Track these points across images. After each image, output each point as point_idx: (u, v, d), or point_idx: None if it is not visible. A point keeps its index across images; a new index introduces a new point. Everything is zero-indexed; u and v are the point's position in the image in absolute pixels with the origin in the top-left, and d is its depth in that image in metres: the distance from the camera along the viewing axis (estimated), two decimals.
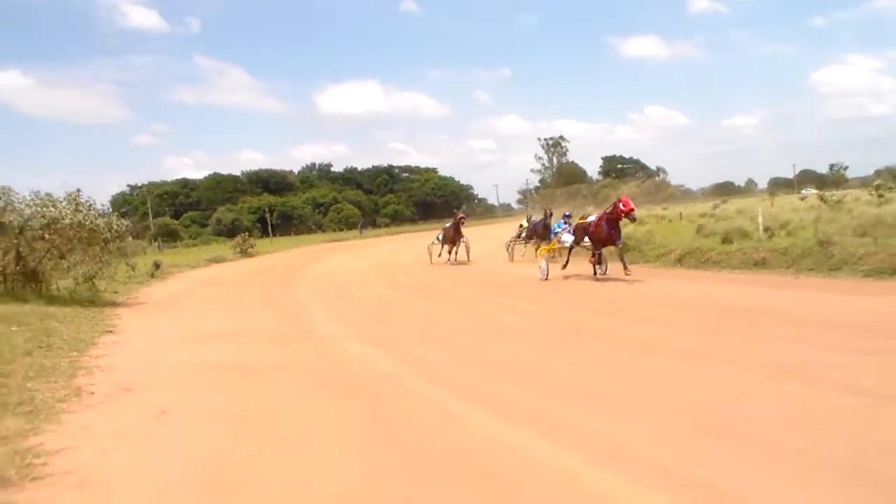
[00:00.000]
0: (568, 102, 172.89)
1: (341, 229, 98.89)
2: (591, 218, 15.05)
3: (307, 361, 8.04)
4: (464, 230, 23.40)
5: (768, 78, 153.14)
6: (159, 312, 14.13)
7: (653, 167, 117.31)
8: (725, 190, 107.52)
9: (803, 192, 76.85)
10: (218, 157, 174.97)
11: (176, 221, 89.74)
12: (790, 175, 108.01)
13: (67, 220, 14.69)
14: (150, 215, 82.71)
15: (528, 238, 23.18)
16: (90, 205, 15.90)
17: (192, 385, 7.08)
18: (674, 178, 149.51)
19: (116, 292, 17.40)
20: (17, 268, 14.58)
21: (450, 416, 5.44)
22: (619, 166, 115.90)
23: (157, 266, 23.71)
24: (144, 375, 7.43)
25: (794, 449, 4.12)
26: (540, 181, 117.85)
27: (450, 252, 23.22)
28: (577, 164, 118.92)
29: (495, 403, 5.62)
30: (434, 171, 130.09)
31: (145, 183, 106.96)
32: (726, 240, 15.15)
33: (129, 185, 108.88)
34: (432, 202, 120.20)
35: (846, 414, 4.72)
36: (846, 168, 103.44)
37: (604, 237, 14.18)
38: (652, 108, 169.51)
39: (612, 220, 13.99)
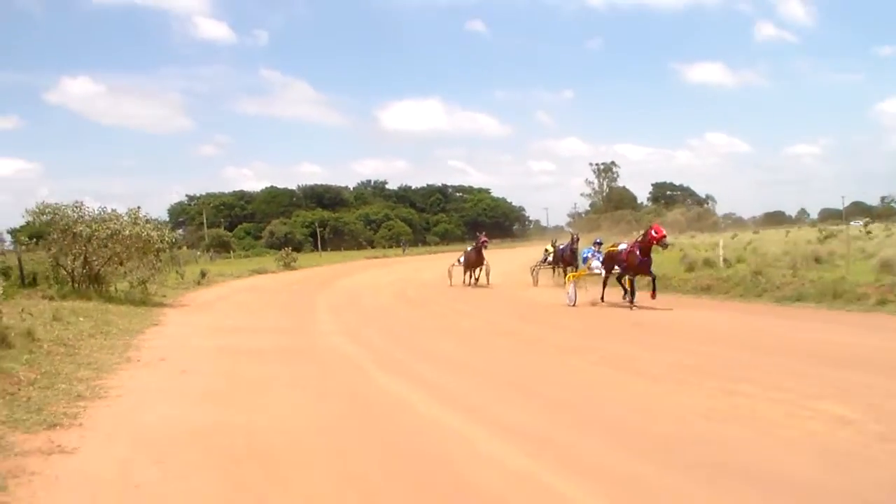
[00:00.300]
0: (629, 127, 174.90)
1: (391, 246, 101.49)
2: (622, 246, 15.30)
3: (294, 347, 10.70)
4: (486, 253, 23.05)
5: (832, 108, 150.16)
6: (197, 313, 16.98)
7: (703, 195, 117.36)
8: (775, 219, 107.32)
9: (852, 223, 76.99)
10: (277, 169, 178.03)
11: (229, 233, 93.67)
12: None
13: (126, 232, 17.75)
14: (205, 226, 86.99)
15: (555, 263, 23.11)
16: (147, 219, 19.08)
17: (207, 358, 9.75)
18: (730, 206, 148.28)
19: (165, 296, 20.35)
20: (84, 271, 17.69)
21: (369, 377, 8.19)
22: (669, 193, 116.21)
23: (203, 275, 26.91)
24: (175, 352, 10.08)
25: (567, 402, 6.46)
26: (591, 205, 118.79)
27: (470, 276, 23.02)
28: (627, 190, 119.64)
29: (408, 373, 8.27)
30: (487, 191, 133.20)
31: (203, 194, 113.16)
32: (689, 269, 17.24)
33: (187, 195, 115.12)
34: (483, 222, 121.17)
35: (626, 386, 7.02)
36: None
37: (636, 265, 14.40)
38: (713, 135, 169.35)
39: (645, 248, 14.29)
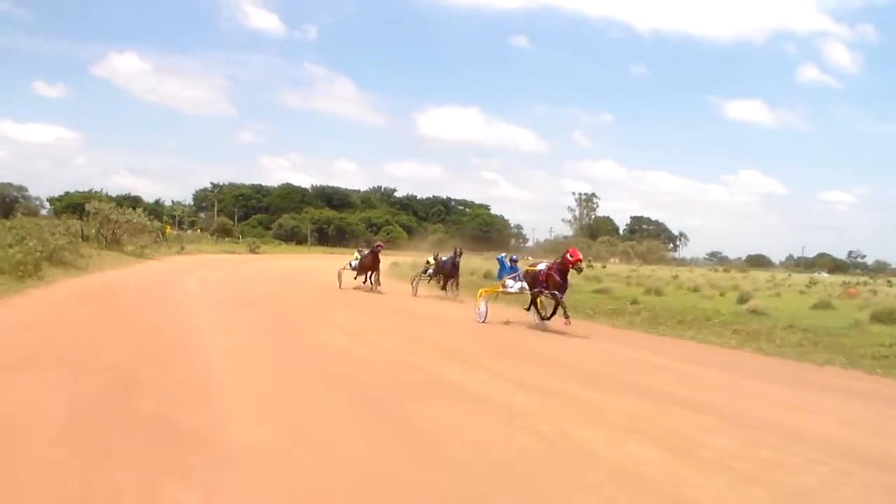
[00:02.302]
0: (664, 155, 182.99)
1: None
2: (541, 266, 15.69)
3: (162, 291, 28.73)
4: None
5: (871, 157, 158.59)
6: (169, 261, 35.14)
7: (677, 232, 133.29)
8: (756, 261, 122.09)
9: (817, 273, 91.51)
10: (313, 163, 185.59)
11: (231, 222, 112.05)
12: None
13: (134, 220, 36.45)
14: (215, 214, 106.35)
15: (436, 275, 24.07)
16: (148, 211, 37.80)
17: (148, 272, 27.92)
18: (756, 247, 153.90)
19: (153, 256, 38.67)
20: (111, 236, 36.39)
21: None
22: (644, 227, 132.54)
23: (182, 248, 45.65)
24: (141, 270, 28.14)
25: (348, 375, 9.49)
26: (573, 231, 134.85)
27: (365, 279, 24.13)
28: (610, 220, 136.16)
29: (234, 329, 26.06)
30: (486, 208, 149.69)
31: (226, 183, 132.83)
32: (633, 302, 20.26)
33: (211, 183, 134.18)
34: (477, 235, 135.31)
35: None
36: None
37: (558, 285, 14.72)
38: (748, 173, 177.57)
39: (563, 271, 14.71)
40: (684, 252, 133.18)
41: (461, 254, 23.22)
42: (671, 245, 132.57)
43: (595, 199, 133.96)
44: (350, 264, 24.78)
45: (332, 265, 31.04)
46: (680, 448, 6.01)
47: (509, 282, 17.00)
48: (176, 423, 5.82)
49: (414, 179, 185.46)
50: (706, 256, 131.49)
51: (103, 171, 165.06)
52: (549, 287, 14.87)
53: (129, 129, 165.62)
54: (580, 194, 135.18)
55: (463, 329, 14.97)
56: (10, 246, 19.50)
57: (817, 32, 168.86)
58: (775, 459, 5.85)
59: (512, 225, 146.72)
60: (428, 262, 24.97)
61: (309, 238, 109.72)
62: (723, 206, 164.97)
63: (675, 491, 4.95)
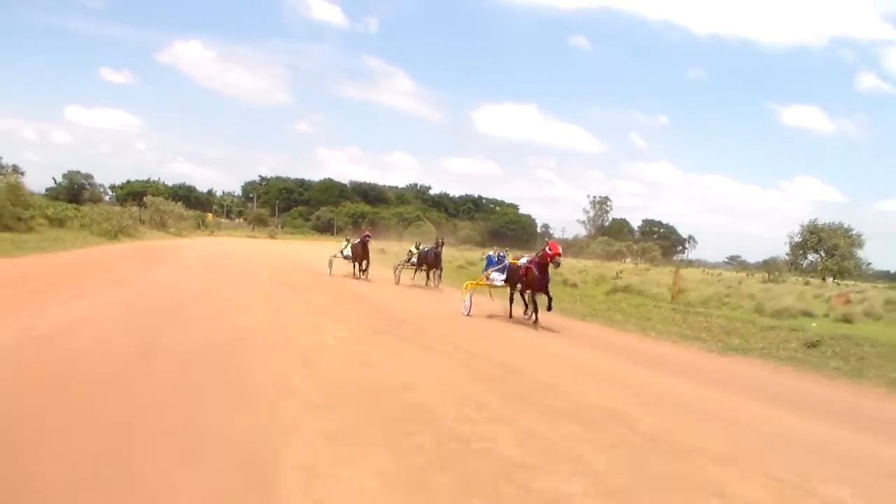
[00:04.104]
0: (720, 159, 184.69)
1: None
2: (523, 260, 15.98)
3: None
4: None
5: None
6: (195, 240, 54.33)
7: (686, 235, 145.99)
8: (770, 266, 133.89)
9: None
10: (369, 156, 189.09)
11: (267, 212, 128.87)
12: None
13: (176, 210, 56.56)
14: (255, 204, 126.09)
15: (418, 265, 24.89)
16: (182, 203, 57.77)
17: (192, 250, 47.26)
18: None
19: (186, 236, 58.05)
20: (158, 221, 56.41)
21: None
22: (654, 229, 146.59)
23: (211, 231, 65.32)
24: (179, 246, 47.40)
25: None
26: (587, 231, 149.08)
27: (355, 268, 24.93)
28: (626, 222, 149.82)
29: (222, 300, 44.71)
30: (514, 207, 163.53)
31: (272, 176, 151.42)
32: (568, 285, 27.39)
33: (259, 176, 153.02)
34: (503, 233, 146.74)
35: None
36: None
37: (534, 281, 15.07)
38: (804, 179, 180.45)
39: (542, 265, 14.90)
40: (693, 254, 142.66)
41: (443, 244, 24.48)
42: (680, 247, 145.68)
43: (609, 202, 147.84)
44: (341, 252, 26.24)
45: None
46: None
47: (494, 274, 17.47)
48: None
49: (468, 176, 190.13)
50: (726, 259, 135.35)
51: (161, 158, 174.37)
52: (527, 281, 15.30)
53: (190, 116, 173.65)
54: (595, 197, 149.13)
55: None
56: (100, 223, 38.94)
57: (877, 41, 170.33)
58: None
59: (539, 224, 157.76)
60: (410, 252, 25.94)
61: (335, 230, 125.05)
62: (778, 212, 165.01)
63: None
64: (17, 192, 30.32)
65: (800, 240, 65.69)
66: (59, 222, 35.66)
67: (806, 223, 67.85)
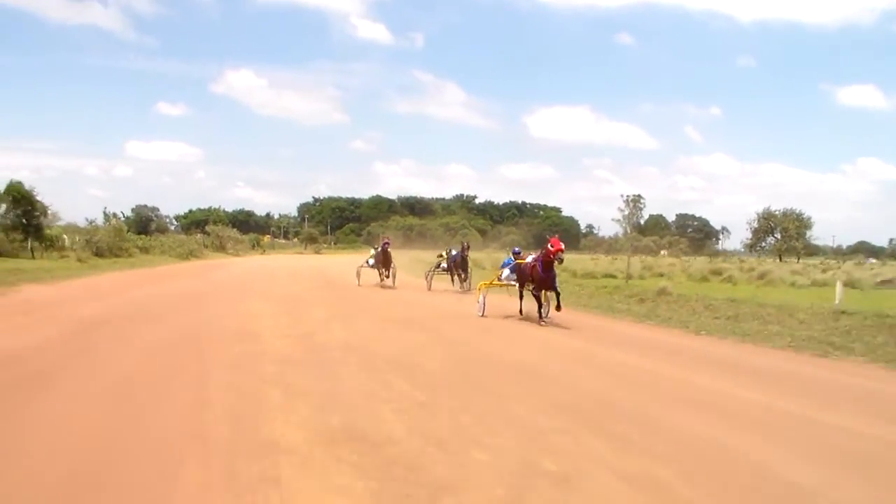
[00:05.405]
0: (777, 146, 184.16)
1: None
2: (529, 259, 16.17)
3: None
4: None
5: None
6: (249, 258, 68.50)
7: (719, 227, 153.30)
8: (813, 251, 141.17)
9: (869, 260, 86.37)
10: (426, 168, 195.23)
11: (317, 232, 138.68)
12: None
13: (233, 236, 71.72)
14: (306, 224, 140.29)
15: (448, 270, 25.70)
16: (240, 228, 72.74)
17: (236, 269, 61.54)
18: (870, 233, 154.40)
19: (242, 255, 72.42)
20: (218, 245, 71.33)
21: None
22: (688, 223, 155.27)
23: (263, 250, 79.96)
24: (230, 264, 61.61)
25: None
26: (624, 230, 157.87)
27: (381, 275, 25.46)
28: (663, 217, 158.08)
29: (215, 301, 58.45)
30: (557, 210, 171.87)
31: (325, 197, 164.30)
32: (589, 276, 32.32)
33: (313, 197, 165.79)
34: (543, 235, 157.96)
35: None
36: None
37: (539, 279, 15.20)
38: (865, 161, 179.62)
39: (546, 263, 15.00)
40: (726, 244, 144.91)
41: (469, 248, 25.30)
42: (714, 239, 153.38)
43: (642, 200, 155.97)
44: (367, 262, 26.38)
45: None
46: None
47: (506, 272, 17.83)
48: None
49: (526, 181, 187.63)
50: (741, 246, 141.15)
51: (220, 185, 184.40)
52: (534, 280, 15.48)
53: (246, 142, 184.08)
54: (628, 196, 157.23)
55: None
56: (175, 248, 53.53)
57: None
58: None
59: (583, 225, 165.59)
60: (440, 257, 26.91)
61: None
62: (843, 196, 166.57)
63: None
64: (120, 232, 45.64)
65: (757, 225, 76.32)
66: (145, 249, 50.45)
67: (760, 210, 77.64)
